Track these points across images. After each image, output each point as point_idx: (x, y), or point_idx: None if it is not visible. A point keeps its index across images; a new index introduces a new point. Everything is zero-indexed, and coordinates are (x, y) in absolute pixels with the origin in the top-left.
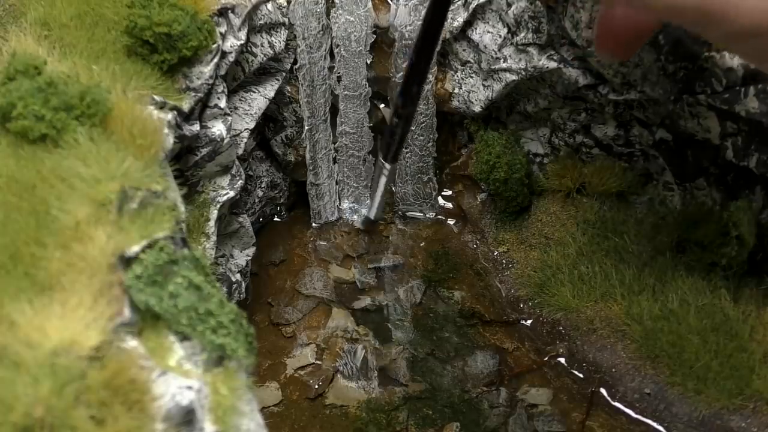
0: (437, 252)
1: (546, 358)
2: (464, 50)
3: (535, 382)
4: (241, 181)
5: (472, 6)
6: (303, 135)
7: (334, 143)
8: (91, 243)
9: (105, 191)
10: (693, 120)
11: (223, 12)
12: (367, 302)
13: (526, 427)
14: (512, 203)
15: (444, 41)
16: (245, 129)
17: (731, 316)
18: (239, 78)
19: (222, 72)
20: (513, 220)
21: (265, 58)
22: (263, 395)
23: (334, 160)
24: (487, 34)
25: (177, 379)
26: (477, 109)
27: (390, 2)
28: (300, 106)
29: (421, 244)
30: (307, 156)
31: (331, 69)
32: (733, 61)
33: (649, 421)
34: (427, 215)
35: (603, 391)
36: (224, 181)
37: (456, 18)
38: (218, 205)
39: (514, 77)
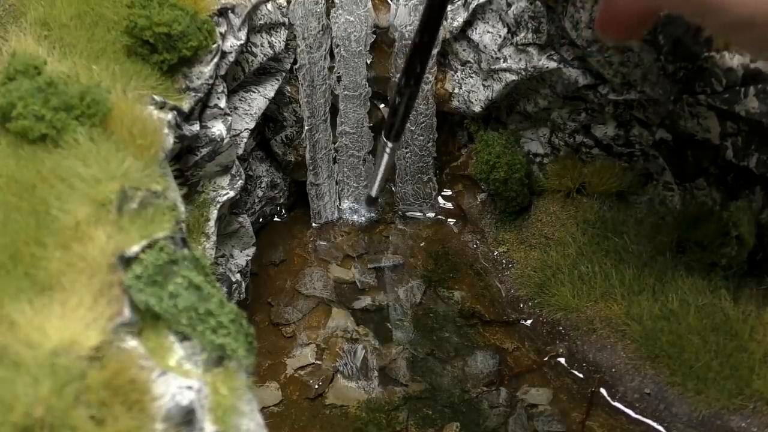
0: (437, 252)
1: (546, 358)
2: (464, 50)
3: (535, 382)
4: (241, 181)
5: (472, 6)
6: (303, 135)
7: (334, 143)
8: (91, 243)
9: (105, 191)
10: (693, 120)
11: (223, 12)
12: (367, 302)
13: (526, 427)
14: (512, 203)
15: (444, 41)
16: (245, 129)
17: (731, 316)
18: (239, 78)
19: (222, 72)
20: (513, 220)
21: (265, 58)
22: (263, 395)
23: (334, 160)
24: (487, 34)
25: (177, 379)
26: (477, 109)
27: (390, 2)
28: (300, 106)
29: (421, 244)
30: (307, 156)
31: (331, 69)
32: (733, 61)
33: (649, 421)
34: (427, 215)
35: (603, 391)
36: (224, 181)
37: (456, 18)
38: (218, 205)
39: (514, 77)
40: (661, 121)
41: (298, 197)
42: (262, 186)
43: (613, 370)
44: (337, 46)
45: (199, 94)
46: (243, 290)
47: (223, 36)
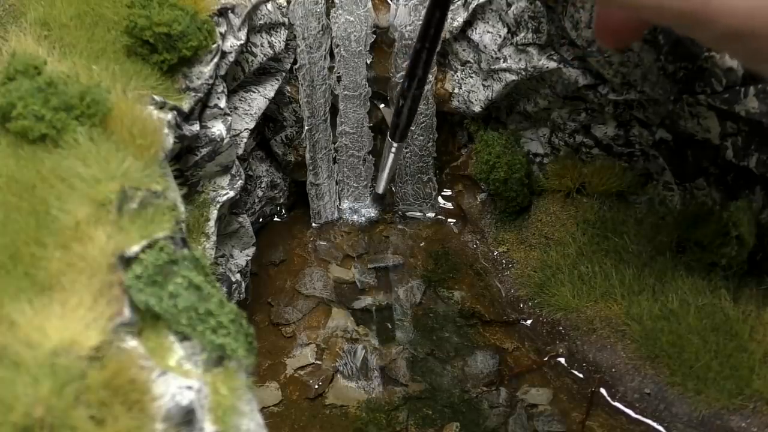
0: (437, 252)
1: (546, 358)
2: (464, 50)
3: (535, 382)
4: (241, 181)
5: (472, 6)
6: (303, 135)
7: (334, 143)
8: (91, 243)
9: (105, 191)
10: (693, 120)
11: (223, 12)
12: (367, 302)
13: (526, 427)
14: (512, 203)
15: (444, 41)
16: (245, 129)
17: (731, 316)
18: (239, 78)
19: (222, 72)
20: (513, 220)
21: (265, 58)
22: (263, 395)
23: (334, 160)
24: (487, 34)
25: (177, 379)
26: (477, 109)
27: (390, 2)
28: (300, 106)
29: (421, 244)
30: (307, 156)
31: (331, 69)
32: (733, 61)
33: (649, 421)
34: (427, 215)
35: (603, 391)
36: (224, 181)
37: (456, 18)
38: (218, 205)
39: (514, 77)
40: (661, 121)
41: (298, 197)
42: (262, 186)
43: (613, 370)
44: (337, 46)
45: (199, 94)
46: (243, 290)
47: (223, 36)
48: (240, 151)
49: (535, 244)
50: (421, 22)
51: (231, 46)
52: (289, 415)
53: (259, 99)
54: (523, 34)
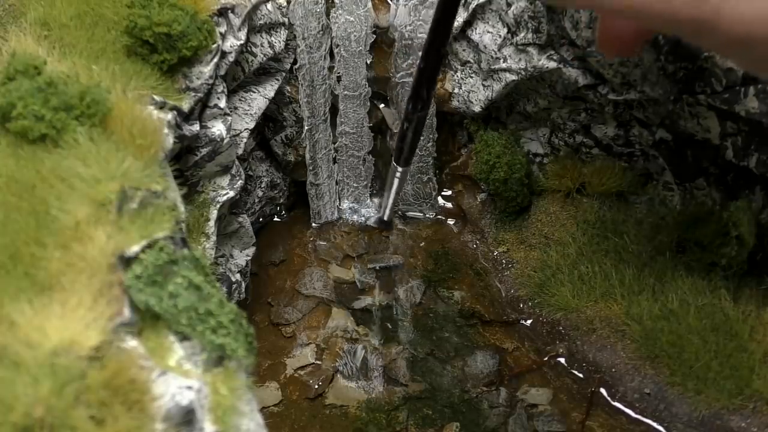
0: (437, 252)
1: (546, 358)
2: (464, 50)
3: (535, 382)
4: (240, 181)
5: (472, 6)
6: (303, 135)
7: (334, 143)
8: (91, 243)
9: (105, 191)
10: (693, 120)
11: (223, 12)
12: (367, 302)
13: (526, 427)
14: (512, 203)
15: None
16: (245, 129)
17: (731, 316)
18: (239, 78)
19: (222, 72)
20: (513, 220)
21: (264, 58)
22: (263, 395)
23: (334, 160)
24: (486, 34)
25: (177, 379)
26: (477, 109)
27: (390, 2)
28: (300, 106)
29: (421, 244)
30: (307, 156)
31: (331, 69)
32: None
33: (649, 421)
34: (427, 215)
35: (603, 391)
36: (224, 181)
37: (456, 18)
38: (218, 205)
39: (513, 77)
40: (661, 121)
41: (298, 197)
42: (262, 186)
43: (613, 370)
44: (337, 46)
45: (199, 94)
46: (243, 290)
47: (223, 36)
48: (240, 151)
49: (535, 244)
50: (420, 22)
51: (231, 46)
52: (289, 415)
53: (259, 99)
54: (523, 34)
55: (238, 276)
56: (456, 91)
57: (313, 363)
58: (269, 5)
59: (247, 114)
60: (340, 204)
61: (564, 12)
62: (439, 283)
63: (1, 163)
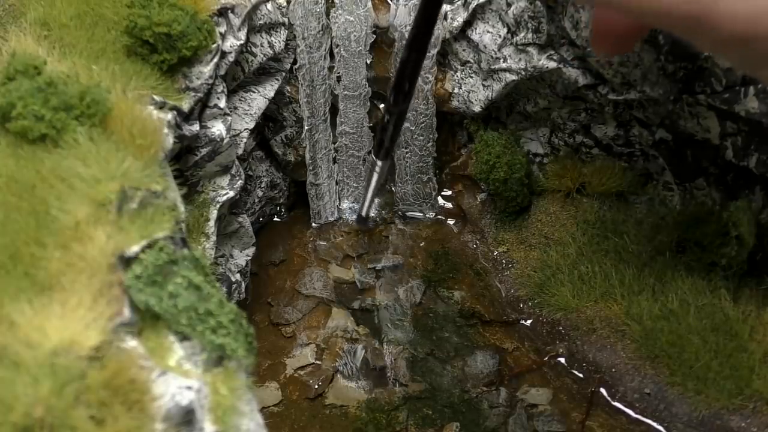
0: (437, 252)
1: (546, 358)
2: (464, 50)
3: (535, 382)
4: (240, 181)
5: (472, 6)
6: (303, 135)
7: (334, 143)
8: (91, 243)
9: (105, 191)
10: (693, 120)
11: (222, 12)
12: (367, 302)
13: (526, 427)
14: (512, 203)
15: (444, 41)
16: (245, 129)
17: (731, 316)
18: (239, 78)
19: (222, 72)
20: (513, 220)
21: (264, 58)
22: (263, 395)
23: (334, 160)
24: (486, 34)
25: (177, 379)
26: (477, 109)
27: (390, 2)
28: (300, 106)
29: (421, 244)
30: (307, 156)
31: (331, 69)
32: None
33: (649, 421)
34: (427, 215)
35: (603, 391)
36: (224, 181)
37: (456, 18)
38: (218, 205)
39: (513, 77)
40: (661, 121)
41: (297, 197)
42: (262, 186)
43: (613, 370)
44: (337, 46)
45: (199, 94)
46: (243, 290)
47: (223, 36)
48: (240, 151)
49: (535, 244)
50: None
51: (231, 46)
52: (289, 415)
53: (259, 99)
54: (523, 34)
55: (238, 276)
56: (456, 91)
57: (313, 363)
58: (269, 5)
59: (247, 114)
60: (340, 204)
61: (564, 12)
62: (439, 283)
63: (1, 163)
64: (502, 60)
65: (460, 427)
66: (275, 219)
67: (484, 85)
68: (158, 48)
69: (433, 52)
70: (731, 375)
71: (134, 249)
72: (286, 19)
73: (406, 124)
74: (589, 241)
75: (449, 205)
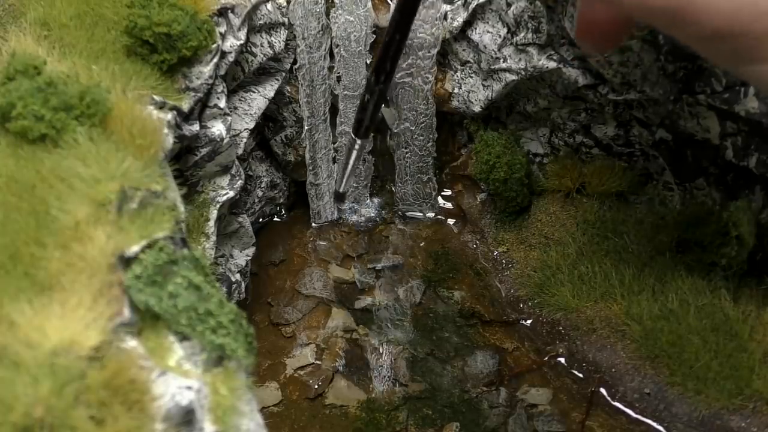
0: (437, 252)
1: (546, 358)
2: (464, 50)
3: (535, 382)
4: (240, 181)
5: (472, 6)
6: (303, 135)
7: (334, 143)
8: (90, 243)
9: (105, 191)
10: (693, 120)
11: (222, 12)
12: (367, 302)
13: (526, 427)
14: (512, 203)
15: (444, 41)
16: (245, 129)
17: (731, 316)
18: (239, 78)
19: (222, 72)
20: (513, 220)
21: (264, 58)
22: (263, 395)
23: (334, 160)
24: (486, 34)
25: (177, 379)
26: (477, 109)
27: (390, 2)
28: (300, 106)
29: (421, 244)
30: (307, 156)
31: (330, 69)
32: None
33: (649, 421)
34: (427, 215)
35: (603, 391)
36: (224, 181)
37: (456, 18)
38: (218, 205)
39: (513, 77)
40: (661, 121)
41: (297, 197)
42: (262, 186)
43: (613, 370)
44: (337, 46)
45: (199, 94)
46: (243, 290)
47: (223, 36)
48: (240, 151)
49: (535, 244)
50: (420, 22)
51: (231, 46)
52: (289, 415)
53: (258, 99)
54: (522, 34)
55: (237, 276)
56: (456, 91)
57: (313, 363)
58: (269, 5)
59: (246, 114)
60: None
61: (564, 12)
62: (439, 283)
63: (1, 163)
64: (502, 60)
65: (460, 427)
66: (275, 219)
67: (484, 85)
68: (158, 48)
69: (433, 52)
70: (731, 375)
71: (134, 249)
72: (286, 19)
73: (406, 124)
74: (589, 241)
75: (449, 205)
